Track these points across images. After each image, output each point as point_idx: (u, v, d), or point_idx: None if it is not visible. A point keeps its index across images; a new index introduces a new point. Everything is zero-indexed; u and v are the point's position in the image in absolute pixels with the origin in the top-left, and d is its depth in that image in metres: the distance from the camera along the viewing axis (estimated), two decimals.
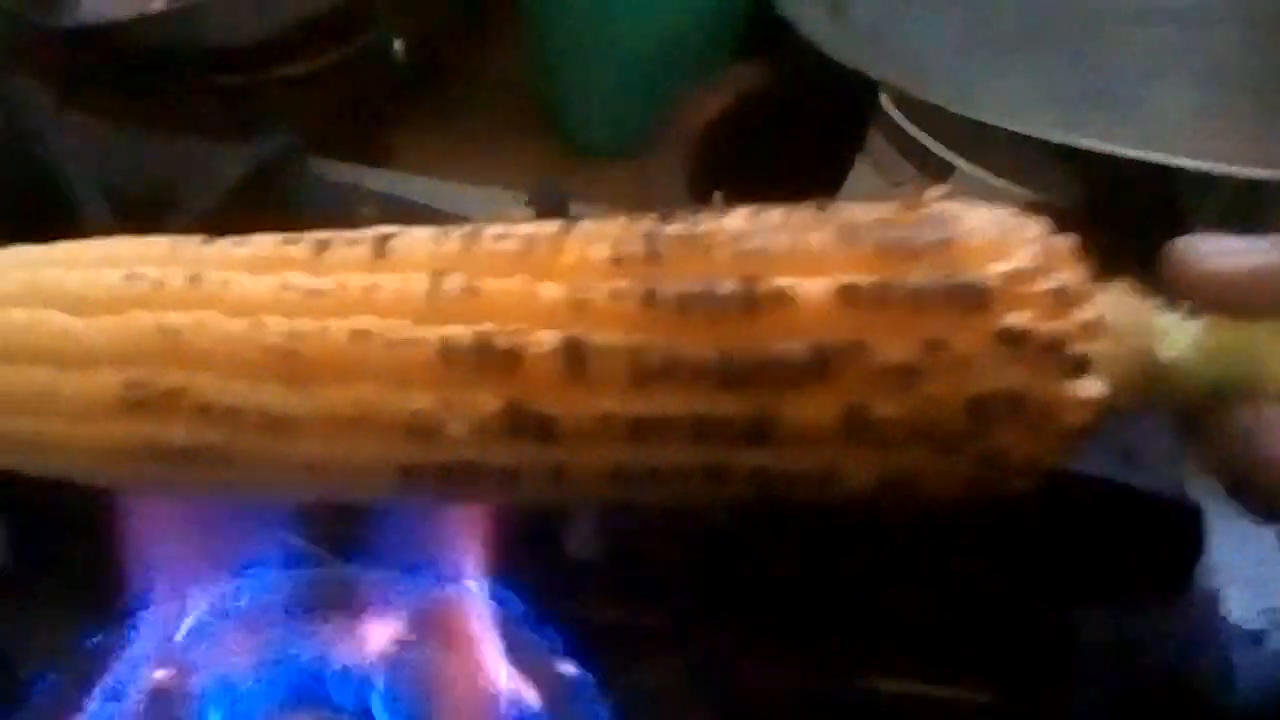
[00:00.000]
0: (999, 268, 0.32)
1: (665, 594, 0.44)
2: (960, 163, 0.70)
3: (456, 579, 0.42)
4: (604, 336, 0.32)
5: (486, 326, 0.32)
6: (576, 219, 0.34)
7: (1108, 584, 0.42)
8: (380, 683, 0.41)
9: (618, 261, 0.33)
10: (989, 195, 0.72)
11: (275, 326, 0.33)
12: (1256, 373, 0.33)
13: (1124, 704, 0.40)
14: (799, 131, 0.77)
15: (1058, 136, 0.65)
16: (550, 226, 0.34)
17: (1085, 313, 0.32)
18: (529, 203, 0.51)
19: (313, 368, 0.33)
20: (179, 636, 0.42)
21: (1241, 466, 0.33)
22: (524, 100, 0.85)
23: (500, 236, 0.34)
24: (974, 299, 0.31)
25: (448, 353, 0.32)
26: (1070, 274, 0.32)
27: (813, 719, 0.44)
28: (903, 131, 0.71)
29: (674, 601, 0.44)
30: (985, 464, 0.32)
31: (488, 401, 0.32)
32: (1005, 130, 0.65)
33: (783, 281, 0.32)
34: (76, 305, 0.35)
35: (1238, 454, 0.34)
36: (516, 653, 0.41)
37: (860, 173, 0.74)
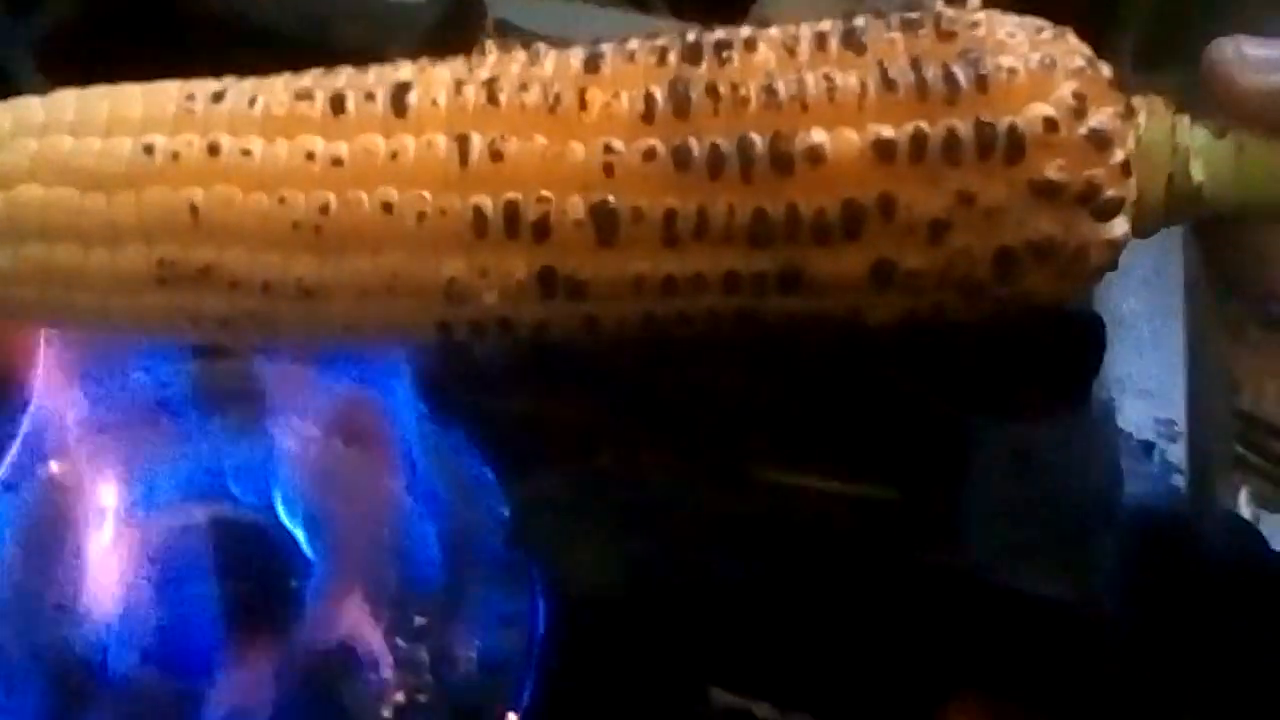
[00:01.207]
0: (1035, 112, 0.31)
1: (571, 395, 0.44)
2: None
3: (362, 375, 0.42)
4: (634, 200, 0.32)
5: (514, 195, 0.32)
6: (598, 53, 0.33)
7: (1006, 391, 0.43)
8: (282, 477, 0.40)
9: (647, 117, 0.32)
10: None
11: (302, 201, 0.32)
12: None
13: (1016, 508, 0.41)
14: None
15: None
16: (572, 64, 0.33)
17: (1119, 153, 0.32)
18: None
19: (343, 240, 0.32)
20: (77, 427, 0.41)
21: (1254, 286, 0.34)
22: None
23: (521, 86, 0.33)
24: (1008, 149, 0.31)
25: (477, 222, 0.32)
26: (1107, 111, 0.32)
27: (713, 512, 0.45)
28: None
29: (579, 403, 0.44)
30: (1009, 302, 0.34)
31: (520, 267, 0.32)
32: None
33: (815, 137, 0.31)
34: (94, 180, 0.33)
35: (1250, 274, 0.35)
36: (419, 450, 0.41)
37: None
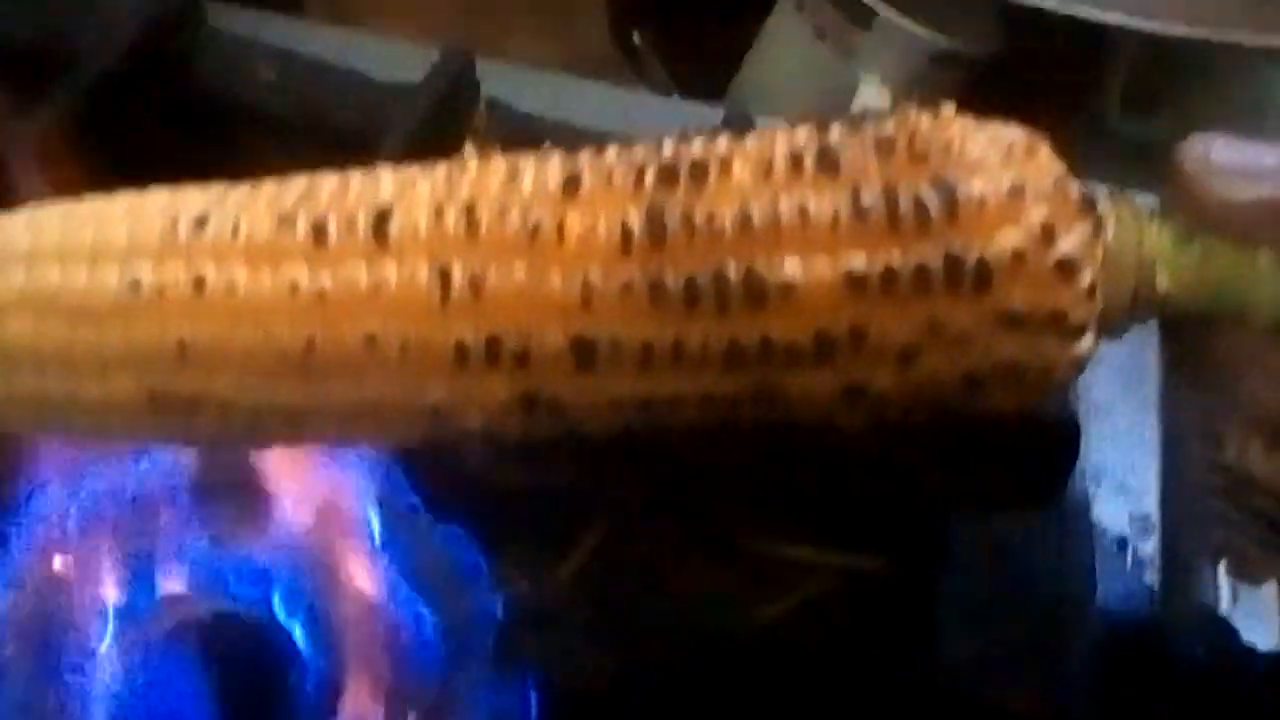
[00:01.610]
0: (1003, 244, 0.32)
1: (563, 471, 0.44)
2: (881, 7, 0.69)
3: (355, 466, 0.42)
4: (612, 331, 0.33)
5: (495, 329, 0.33)
6: (576, 171, 0.34)
7: (981, 486, 0.43)
8: (278, 572, 0.41)
9: (625, 248, 0.33)
10: (910, 43, 0.71)
11: (287, 334, 0.33)
12: (1247, 302, 0.35)
13: (990, 600, 0.42)
14: None
15: None
16: (550, 184, 0.34)
17: (1086, 277, 0.33)
18: (435, 67, 0.50)
19: (328, 370, 0.33)
20: (75, 523, 0.42)
21: (1215, 388, 0.35)
22: None
23: (501, 212, 0.33)
24: (976, 280, 0.32)
25: (459, 354, 0.33)
26: (1075, 236, 0.33)
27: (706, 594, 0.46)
28: None
29: (571, 478, 0.44)
30: (974, 412, 0.35)
31: (501, 391, 0.33)
32: None
33: (789, 270, 0.32)
34: (82, 314, 0.34)
35: (1213, 379, 0.35)
36: (412, 542, 0.42)
37: (782, 13, 0.73)
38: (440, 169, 0.35)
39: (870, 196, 0.32)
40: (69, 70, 0.49)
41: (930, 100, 0.35)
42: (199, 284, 0.34)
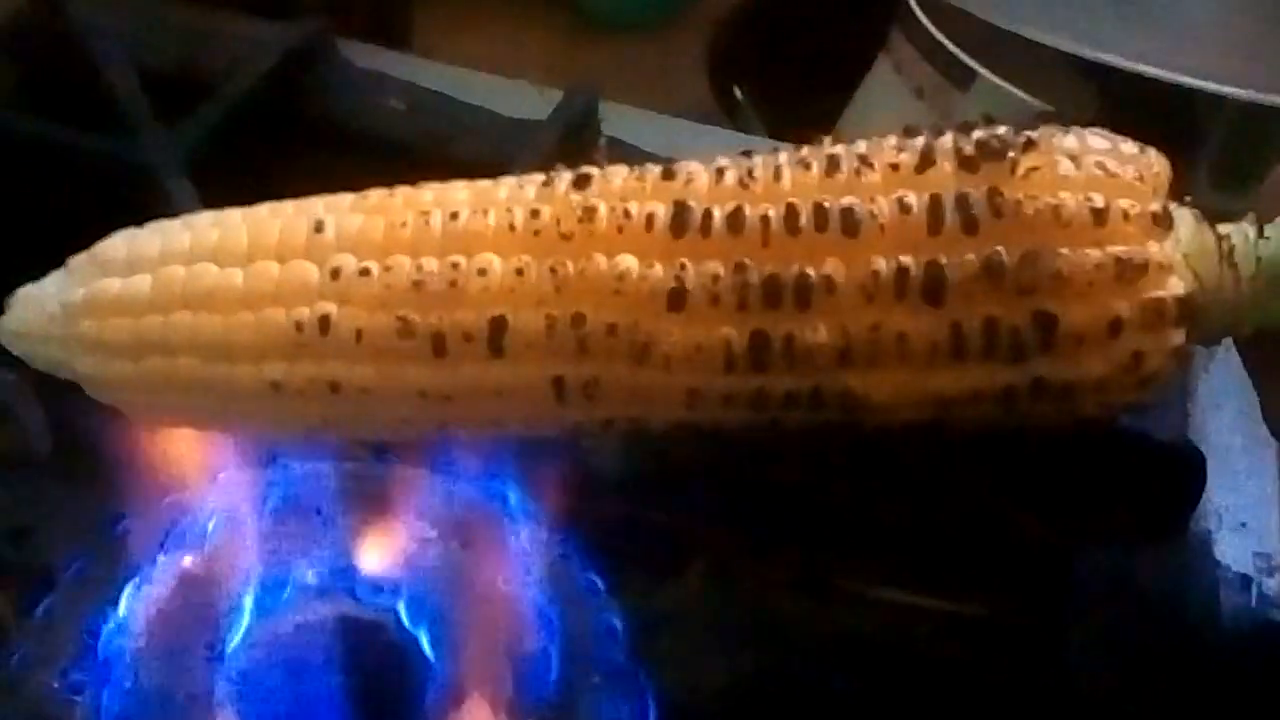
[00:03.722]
0: (1093, 371, 0.33)
1: (678, 506, 0.45)
2: (980, 69, 0.70)
3: (481, 481, 0.43)
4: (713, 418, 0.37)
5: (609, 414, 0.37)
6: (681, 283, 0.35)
7: (1107, 520, 0.44)
8: (406, 579, 0.42)
9: (728, 368, 0.35)
10: (1007, 105, 0.72)
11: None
12: None
13: (1113, 637, 0.42)
14: (823, 24, 0.76)
15: (1075, 48, 0.65)
16: (654, 295, 0.35)
17: (1174, 338, 0.33)
18: (561, 104, 0.51)
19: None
20: (210, 524, 0.43)
21: None
22: None
23: (609, 330, 0.35)
24: (1061, 395, 0.34)
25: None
26: (1159, 357, 0.34)
27: (812, 628, 0.46)
28: (926, 32, 0.71)
29: (685, 515, 0.45)
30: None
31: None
32: (1024, 38, 0.66)
33: (881, 394, 0.34)
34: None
35: None
36: (534, 556, 0.43)
37: (880, 71, 0.74)
38: (548, 268, 0.36)
39: (970, 329, 0.33)
40: (212, 94, 0.51)
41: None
42: (334, 387, 0.38)
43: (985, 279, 0.33)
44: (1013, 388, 0.33)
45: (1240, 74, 0.62)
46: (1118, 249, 0.33)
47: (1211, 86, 0.61)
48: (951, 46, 0.69)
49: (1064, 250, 0.33)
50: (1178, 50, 0.64)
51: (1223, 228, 0.35)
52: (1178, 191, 0.35)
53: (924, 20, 0.69)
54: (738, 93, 0.77)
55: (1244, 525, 0.45)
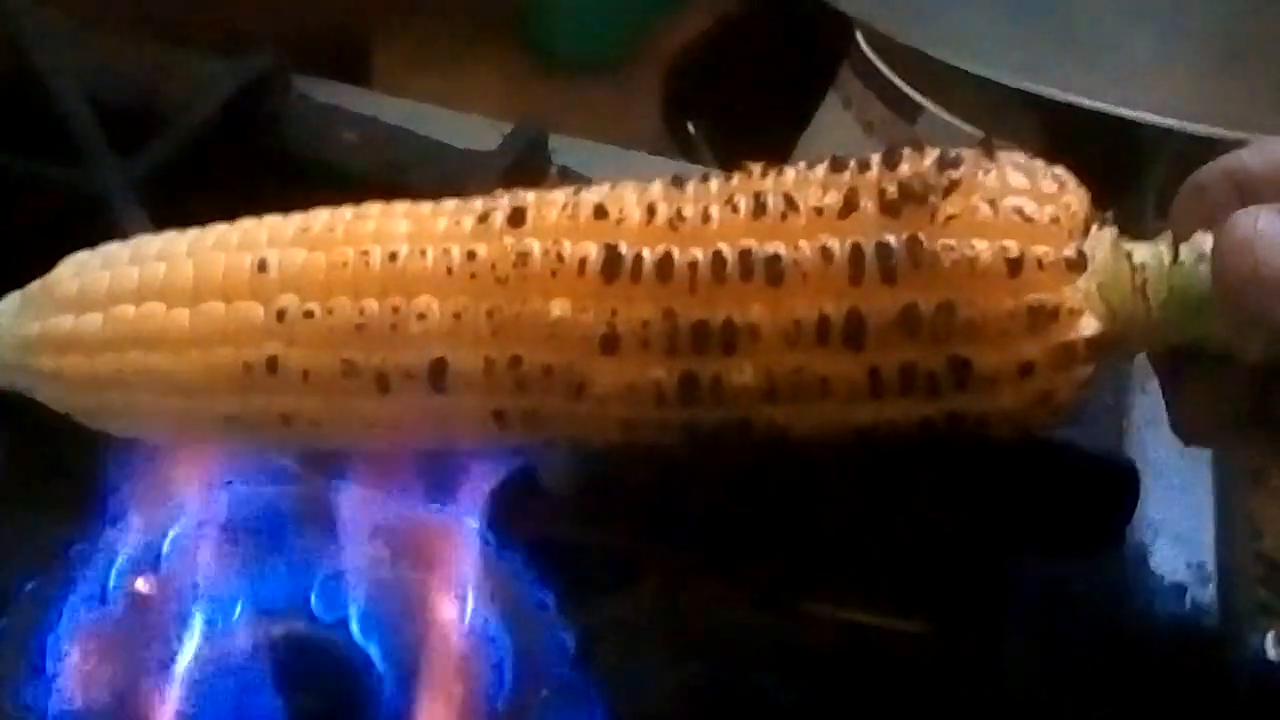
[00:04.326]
0: (1005, 405, 0.35)
1: (627, 525, 0.46)
2: (928, 104, 0.71)
3: (432, 502, 0.44)
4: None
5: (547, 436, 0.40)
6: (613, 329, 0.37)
7: (1044, 532, 0.44)
8: (357, 597, 0.42)
9: (659, 403, 0.37)
10: (953, 138, 0.74)
11: None
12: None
13: (1051, 648, 0.43)
14: (774, 61, 0.78)
15: (1020, 82, 0.66)
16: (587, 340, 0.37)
17: (1083, 373, 0.35)
18: (510, 136, 0.53)
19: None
20: (163, 545, 0.43)
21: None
22: (500, 10, 0.85)
23: (545, 371, 0.38)
24: (977, 424, 0.36)
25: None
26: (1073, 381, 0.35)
27: (759, 642, 0.47)
28: (874, 69, 0.72)
29: (635, 533, 0.46)
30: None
31: None
32: (971, 73, 0.67)
33: (804, 427, 0.37)
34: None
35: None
36: (485, 577, 0.43)
37: (830, 107, 0.75)
38: (484, 313, 0.38)
39: (889, 372, 0.35)
40: (166, 126, 0.51)
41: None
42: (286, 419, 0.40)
43: (903, 327, 0.35)
44: (929, 419, 0.36)
45: (1183, 107, 0.63)
46: (1030, 298, 0.34)
47: (1155, 119, 0.63)
48: (899, 82, 0.70)
49: (979, 300, 0.34)
50: (1122, 84, 0.65)
51: (1138, 250, 0.36)
52: (1097, 213, 0.36)
53: (872, 57, 0.71)
54: (691, 129, 0.78)
55: (1179, 536, 0.46)
